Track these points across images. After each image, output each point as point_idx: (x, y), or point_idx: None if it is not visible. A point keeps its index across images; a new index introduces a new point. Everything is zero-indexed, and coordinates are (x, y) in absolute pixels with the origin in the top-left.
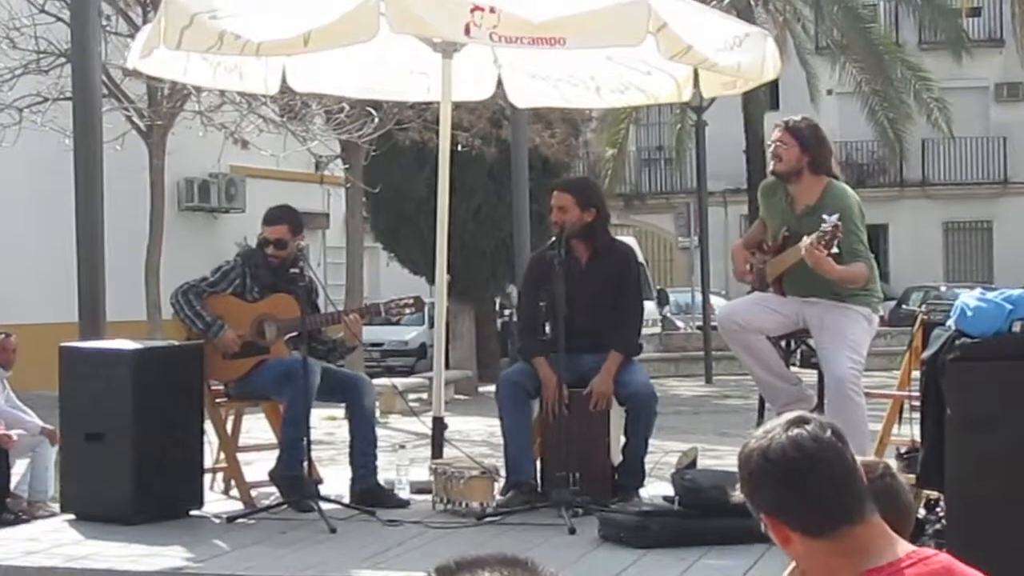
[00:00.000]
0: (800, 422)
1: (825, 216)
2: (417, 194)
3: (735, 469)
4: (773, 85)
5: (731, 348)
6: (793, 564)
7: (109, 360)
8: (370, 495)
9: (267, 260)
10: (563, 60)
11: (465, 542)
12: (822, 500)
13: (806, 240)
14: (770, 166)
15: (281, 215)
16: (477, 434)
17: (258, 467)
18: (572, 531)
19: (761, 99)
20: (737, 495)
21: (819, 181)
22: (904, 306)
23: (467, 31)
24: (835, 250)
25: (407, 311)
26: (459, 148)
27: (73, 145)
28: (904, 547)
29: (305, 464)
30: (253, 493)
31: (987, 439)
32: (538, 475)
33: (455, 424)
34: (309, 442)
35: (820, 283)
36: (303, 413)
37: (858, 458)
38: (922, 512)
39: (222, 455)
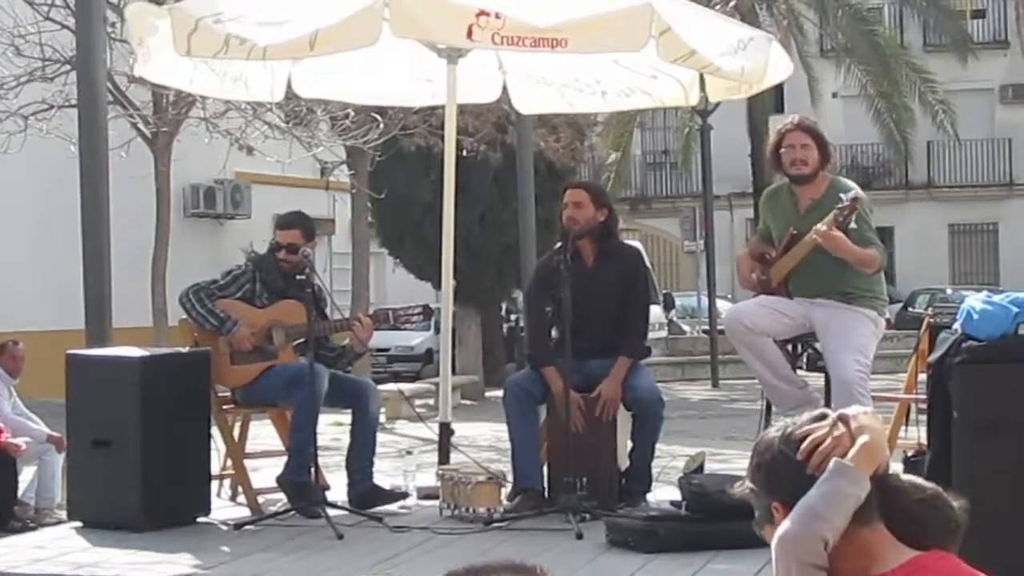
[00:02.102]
0: (824, 417)
1: (842, 195)
2: (422, 199)
3: (743, 474)
4: (778, 88)
5: (738, 351)
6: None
7: (116, 367)
8: (367, 497)
9: (278, 265)
10: (568, 65)
11: (472, 548)
12: None
13: (820, 225)
14: (791, 170)
15: (294, 220)
16: (484, 439)
17: (265, 473)
18: (579, 536)
19: (766, 102)
20: (741, 488)
21: (824, 177)
22: (910, 308)
23: (469, 34)
24: (853, 225)
25: (415, 319)
26: (464, 153)
27: (78, 152)
28: (908, 553)
29: (312, 470)
30: (260, 500)
31: (994, 442)
32: (545, 480)
33: (462, 429)
34: (316, 448)
35: (827, 284)
36: (311, 419)
37: (907, 477)
38: None
39: (229, 462)
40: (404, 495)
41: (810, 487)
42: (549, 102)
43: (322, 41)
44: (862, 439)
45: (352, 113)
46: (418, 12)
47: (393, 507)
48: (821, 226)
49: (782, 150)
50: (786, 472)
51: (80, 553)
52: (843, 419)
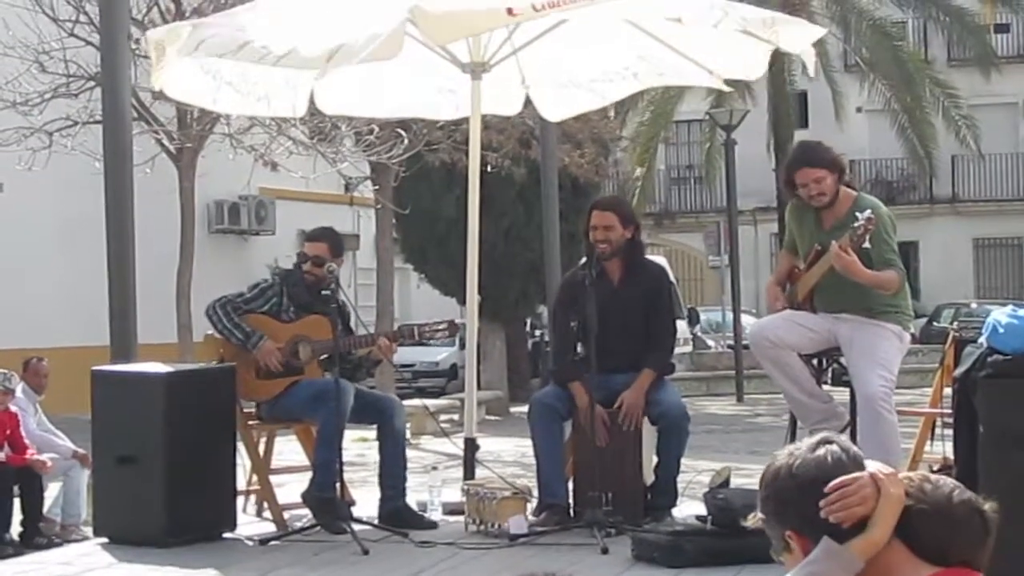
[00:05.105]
0: (826, 442)
1: (858, 214)
2: (447, 215)
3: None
4: (802, 103)
5: (762, 365)
6: None
7: (141, 383)
8: (398, 516)
9: (303, 278)
10: (596, 60)
11: (498, 563)
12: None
13: (834, 245)
14: (813, 204)
15: (323, 234)
16: (509, 455)
17: (290, 489)
18: (605, 551)
19: (790, 117)
20: (754, 519)
21: (848, 196)
22: (935, 323)
23: (510, 12)
24: (866, 245)
25: (440, 335)
26: (489, 169)
27: (103, 168)
28: (925, 570)
29: (338, 486)
30: (286, 515)
31: (1021, 456)
32: (570, 495)
33: (487, 445)
34: (342, 464)
35: (851, 299)
36: (336, 435)
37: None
38: None
39: (254, 477)
40: (434, 525)
41: (818, 516)
42: (579, 103)
43: (342, 56)
44: (870, 532)
45: (376, 129)
46: (450, 15)
47: None
48: (836, 245)
49: (798, 189)
50: (793, 501)
51: (105, 569)
52: (873, 480)
